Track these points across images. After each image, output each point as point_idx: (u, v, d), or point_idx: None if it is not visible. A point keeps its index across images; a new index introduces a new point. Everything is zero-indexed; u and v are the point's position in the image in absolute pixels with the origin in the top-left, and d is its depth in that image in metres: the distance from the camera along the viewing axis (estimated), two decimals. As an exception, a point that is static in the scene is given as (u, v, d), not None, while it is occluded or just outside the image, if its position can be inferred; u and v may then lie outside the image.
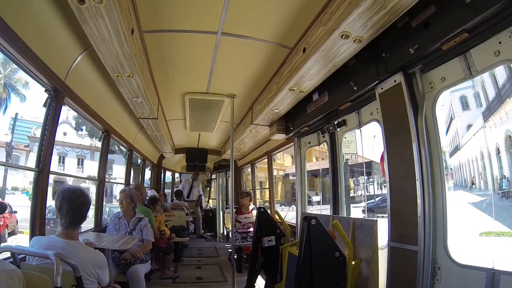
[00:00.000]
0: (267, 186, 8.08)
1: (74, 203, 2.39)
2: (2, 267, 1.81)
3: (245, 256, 6.69)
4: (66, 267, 2.10)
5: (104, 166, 5.36)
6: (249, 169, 9.71)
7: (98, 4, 2.02)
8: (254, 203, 7.85)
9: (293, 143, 5.62)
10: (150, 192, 7.75)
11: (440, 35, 2.23)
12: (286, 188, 24.63)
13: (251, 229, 6.83)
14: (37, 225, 3.17)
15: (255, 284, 4.38)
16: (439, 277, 2.46)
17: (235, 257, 5.77)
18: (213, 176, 15.18)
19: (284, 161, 24.41)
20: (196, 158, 10.69)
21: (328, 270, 2.73)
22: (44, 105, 3.36)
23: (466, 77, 2.32)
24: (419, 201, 2.50)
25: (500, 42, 2.06)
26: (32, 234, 3.14)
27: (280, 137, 5.52)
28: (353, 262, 2.93)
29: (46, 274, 2.03)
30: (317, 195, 13.29)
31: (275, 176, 9.95)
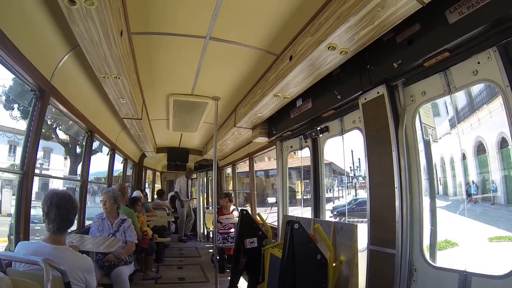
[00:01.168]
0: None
1: (62, 208, 2.34)
2: None
3: (226, 257, 6.74)
4: (55, 272, 2.06)
5: (87, 166, 5.28)
6: (230, 170, 9.78)
7: (89, 6, 2.01)
8: (235, 204, 7.89)
9: (274, 146, 5.72)
10: (135, 193, 7.67)
11: (423, 52, 2.37)
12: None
13: (232, 230, 6.90)
14: (22, 230, 3.09)
15: (238, 285, 4.45)
16: (416, 278, 2.62)
17: (217, 258, 5.80)
18: (194, 176, 15.16)
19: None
20: (177, 158, 10.64)
21: (311, 272, 2.85)
22: (29, 105, 3.29)
23: (445, 93, 2.47)
24: (397, 207, 2.65)
25: (478, 62, 2.21)
26: (17, 239, 3.06)
27: (262, 140, 5.60)
28: (334, 264, 3.04)
29: (34, 280, 2.01)
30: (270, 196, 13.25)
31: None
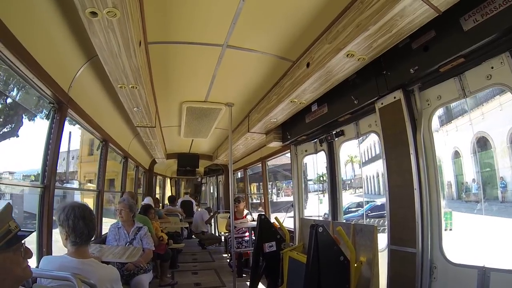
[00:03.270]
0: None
1: (87, 219, 2.32)
2: None
3: (243, 260, 6.80)
4: (85, 287, 2.06)
5: (103, 175, 5.31)
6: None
7: (111, 17, 2.02)
8: (247, 208, 7.96)
9: (288, 150, 5.80)
10: (146, 200, 7.73)
11: (439, 59, 2.45)
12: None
13: (246, 234, 6.97)
14: (45, 243, 3.07)
15: (257, 289, 4.52)
16: (436, 276, 2.69)
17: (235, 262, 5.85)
18: (203, 181, 15.25)
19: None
20: (187, 163, 10.71)
21: (334, 274, 2.93)
22: (47, 118, 3.25)
23: (460, 97, 2.55)
24: (417, 207, 2.73)
25: (492, 67, 2.29)
26: (40, 253, 3.03)
27: (276, 144, 5.68)
28: (355, 265, 3.12)
29: (62, 295, 2.04)
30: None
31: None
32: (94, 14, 1.99)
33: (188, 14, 2.88)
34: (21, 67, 2.50)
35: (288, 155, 5.95)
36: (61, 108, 3.29)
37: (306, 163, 5.85)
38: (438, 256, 2.70)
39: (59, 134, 3.30)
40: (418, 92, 2.85)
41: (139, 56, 2.68)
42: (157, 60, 3.62)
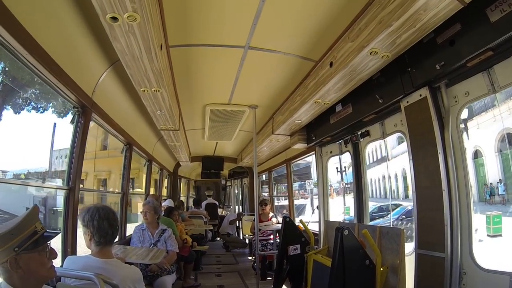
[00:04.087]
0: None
1: (111, 219, 2.40)
2: None
3: (267, 263, 6.73)
4: (107, 286, 2.12)
5: (127, 178, 5.41)
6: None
7: (131, 21, 2.04)
8: (272, 211, 7.93)
9: (312, 151, 5.74)
10: (167, 202, 7.79)
11: (466, 53, 2.33)
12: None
13: (271, 236, 6.92)
14: (70, 244, 3.15)
15: (281, 292, 4.48)
16: (465, 282, 2.55)
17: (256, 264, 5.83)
18: (228, 183, 15.32)
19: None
20: (212, 166, 10.79)
21: (360, 278, 2.86)
22: (72, 122, 3.34)
23: (490, 92, 2.41)
24: (446, 210, 2.60)
25: None
26: (65, 253, 3.11)
27: (301, 146, 5.62)
28: (381, 269, 3.03)
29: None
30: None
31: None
32: (114, 19, 2.03)
33: (208, 17, 2.89)
34: (45, 73, 2.58)
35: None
36: (85, 112, 3.38)
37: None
38: (468, 261, 2.56)
39: (84, 137, 3.39)
40: (444, 89, 2.72)
41: (160, 60, 2.71)
42: (179, 63, 3.66)
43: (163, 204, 7.63)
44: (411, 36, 2.34)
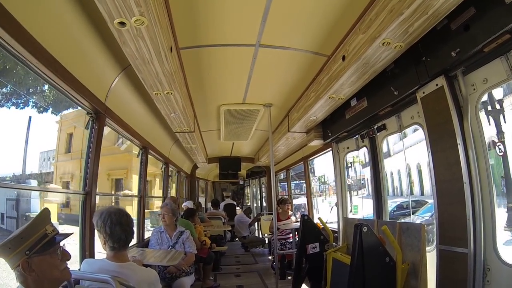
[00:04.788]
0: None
1: (124, 224, 2.38)
2: None
3: (286, 262, 6.70)
4: None
5: (144, 181, 5.47)
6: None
7: (139, 25, 2.06)
8: (291, 209, 7.88)
9: (329, 148, 5.66)
10: (187, 203, 7.85)
11: (482, 37, 2.22)
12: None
13: (290, 235, 6.87)
14: (87, 247, 3.20)
15: (300, 291, 4.42)
16: (489, 278, 2.44)
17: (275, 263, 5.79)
18: (245, 183, 15.35)
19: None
20: (229, 167, 10.80)
21: (380, 275, 2.80)
22: (86, 128, 3.41)
23: (509, 78, 2.29)
24: (468, 203, 2.49)
25: None
26: (82, 257, 3.16)
27: (317, 143, 5.55)
28: (402, 266, 2.94)
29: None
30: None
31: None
32: (122, 24, 2.05)
33: (216, 16, 2.88)
34: (58, 81, 2.63)
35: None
36: (99, 117, 3.45)
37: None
38: (492, 257, 2.43)
39: (98, 142, 3.45)
40: (461, 77, 2.59)
41: (171, 62, 2.72)
42: (190, 64, 3.67)
43: (183, 205, 7.68)
44: (424, 23, 2.26)
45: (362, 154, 4.82)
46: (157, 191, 21.54)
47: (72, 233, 1.95)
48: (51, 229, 1.71)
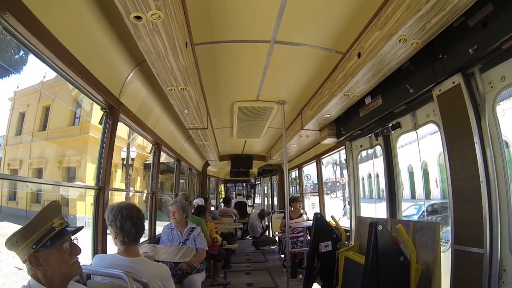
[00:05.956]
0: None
1: (135, 218, 2.40)
2: None
3: (297, 260, 6.68)
4: (136, 284, 2.14)
5: (156, 178, 5.50)
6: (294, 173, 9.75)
7: (155, 19, 2.06)
8: (303, 208, 7.86)
9: (342, 146, 5.64)
10: (198, 200, 7.90)
11: (500, 35, 2.18)
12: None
13: (301, 234, 6.86)
14: (100, 242, 3.23)
15: (311, 289, 4.42)
16: (505, 280, 2.40)
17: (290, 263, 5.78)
18: (257, 181, 15.36)
19: (147, 146, 20.75)
20: (241, 164, 10.83)
21: (394, 275, 2.78)
22: (100, 123, 3.42)
23: None
24: (485, 203, 2.45)
25: None
26: (95, 251, 3.20)
27: (331, 141, 5.53)
28: (416, 266, 2.92)
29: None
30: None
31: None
32: (138, 18, 2.05)
33: (231, 12, 2.88)
34: (73, 75, 2.66)
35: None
36: (113, 113, 3.47)
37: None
38: (508, 258, 2.39)
39: (112, 137, 3.48)
40: (479, 75, 2.55)
41: (186, 57, 2.72)
42: (205, 60, 3.67)
43: (194, 201, 7.72)
44: (441, 20, 2.23)
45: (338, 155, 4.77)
46: (118, 183, 20.13)
47: (83, 226, 1.96)
48: (59, 222, 1.69)
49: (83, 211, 17.06)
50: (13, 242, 1.59)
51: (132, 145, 19.18)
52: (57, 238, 1.66)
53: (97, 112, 18.03)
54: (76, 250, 1.77)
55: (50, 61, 2.39)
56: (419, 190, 22.57)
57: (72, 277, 1.80)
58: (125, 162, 18.44)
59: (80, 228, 1.86)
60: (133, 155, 18.67)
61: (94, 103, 3.29)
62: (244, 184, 17.57)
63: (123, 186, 19.32)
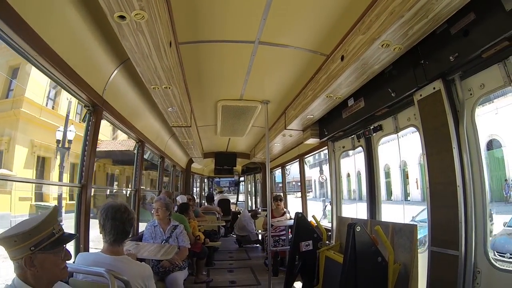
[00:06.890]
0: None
1: (118, 220, 2.41)
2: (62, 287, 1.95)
3: (279, 258, 6.72)
4: (118, 282, 2.14)
5: (139, 175, 5.46)
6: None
7: (139, 19, 2.05)
8: (285, 206, 7.89)
9: (325, 146, 5.68)
10: (180, 198, 7.85)
11: (480, 43, 2.24)
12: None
13: (283, 232, 6.89)
14: (82, 240, 3.20)
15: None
16: (479, 281, 2.47)
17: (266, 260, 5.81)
18: (241, 179, 15.37)
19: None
20: (225, 162, 10.82)
21: (371, 275, 2.84)
22: (83, 120, 3.40)
23: (506, 84, 2.32)
24: (461, 206, 2.52)
25: None
26: (77, 250, 3.14)
27: (314, 141, 5.57)
28: (393, 266, 2.98)
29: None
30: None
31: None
32: (122, 17, 2.04)
33: (216, 12, 2.88)
34: (56, 73, 2.62)
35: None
36: (96, 111, 3.43)
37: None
38: (483, 260, 2.47)
39: (95, 135, 3.45)
40: (459, 81, 2.62)
41: (170, 57, 2.71)
42: (189, 60, 3.66)
43: (176, 198, 7.67)
44: (424, 27, 2.28)
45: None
46: (55, 175, 16.44)
47: (77, 234, 2.01)
48: (57, 228, 1.74)
49: (7, 208, 14.07)
50: (11, 241, 1.60)
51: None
52: (58, 243, 1.72)
53: (33, 82, 15.17)
54: (68, 256, 1.82)
55: (33, 59, 2.35)
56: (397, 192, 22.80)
57: (60, 280, 1.85)
58: (60, 145, 14.86)
59: (76, 235, 1.90)
60: (70, 136, 14.61)
61: (36, 73, 3.18)
62: (229, 183, 17.59)
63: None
